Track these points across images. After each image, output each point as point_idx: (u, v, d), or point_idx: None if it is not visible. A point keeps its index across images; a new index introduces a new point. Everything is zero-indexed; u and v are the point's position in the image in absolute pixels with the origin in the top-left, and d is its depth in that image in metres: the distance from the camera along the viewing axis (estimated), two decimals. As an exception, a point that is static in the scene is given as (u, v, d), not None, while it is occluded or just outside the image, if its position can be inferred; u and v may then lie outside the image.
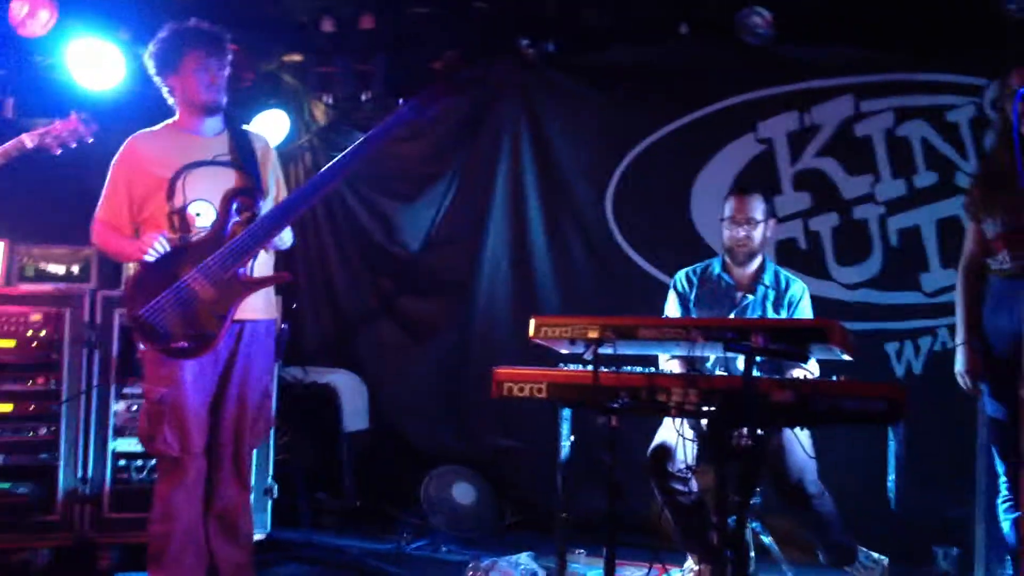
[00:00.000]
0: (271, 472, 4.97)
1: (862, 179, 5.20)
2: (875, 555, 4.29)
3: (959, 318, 3.92)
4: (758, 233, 4.39)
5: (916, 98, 5.09)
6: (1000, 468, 3.75)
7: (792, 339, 3.63)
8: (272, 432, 4.89)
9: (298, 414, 5.53)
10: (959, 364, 3.89)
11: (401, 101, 5.78)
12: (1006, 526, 3.72)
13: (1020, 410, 3.47)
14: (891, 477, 3.73)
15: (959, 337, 3.90)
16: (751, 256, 4.42)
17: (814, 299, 4.55)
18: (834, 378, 3.74)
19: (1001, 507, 3.74)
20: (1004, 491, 3.73)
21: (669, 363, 4.37)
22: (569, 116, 5.80)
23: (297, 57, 5.95)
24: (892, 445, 3.74)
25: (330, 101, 6.03)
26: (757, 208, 4.39)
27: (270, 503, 4.96)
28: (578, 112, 5.78)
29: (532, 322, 3.94)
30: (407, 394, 6.06)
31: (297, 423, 5.53)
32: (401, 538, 5.16)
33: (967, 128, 4.98)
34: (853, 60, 5.21)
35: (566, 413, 4.06)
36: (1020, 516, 3.63)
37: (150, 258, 3.68)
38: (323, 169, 4.04)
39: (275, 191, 4.05)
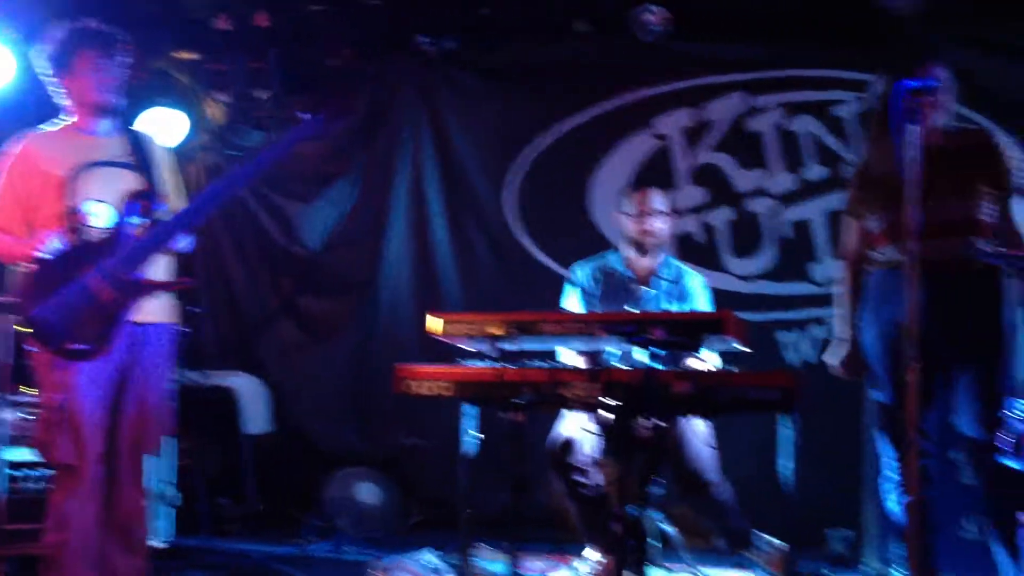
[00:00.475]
0: (172, 479, 4.87)
1: (755, 173, 5.33)
2: (771, 539, 4.40)
3: (841, 313, 3.98)
4: (665, 225, 4.50)
5: (805, 94, 5.24)
6: (887, 452, 3.88)
7: (690, 331, 3.71)
8: (171, 438, 4.80)
9: (197, 419, 5.43)
10: (834, 357, 3.96)
11: (305, 115, 5.72)
12: (895, 507, 3.85)
13: (907, 396, 3.61)
14: (785, 463, 3.84)
15: (840, 332, 3.97)
16: (660, 247, 4.52)
17: (711, 291, 4.66)
18: (731, 369, 3.84)
19: (889, 489, 3.87)
20: (891, 474, 3.86)
21: (572, 357, 4.42)
22: (469, 113, 5.82)
23: (191, 55, 5.84)
24: (786, 432, 3.86)
25: (226, 100, 5.93)
26: (661, 200, 4.49)
27: (171, 510, 4.86)
28: (478, 109, 5.80)
29: (434, 319, 3.95)
30: (310, 395, 6.00)
31: (197, 428, 5.43)
32: (305, 541, 5.11)
33: (853, 123, 5.14)
34: (745, 57, 5.34)
35: (470, 410, 4.09)
36: (911, 501, 3.77)
37: (46, 256, 3.59)
38: (223, 177, 3.98)
39: (173, 195, 3.98)
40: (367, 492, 5.49)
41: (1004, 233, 3.70)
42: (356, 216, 6.01)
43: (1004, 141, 3.82)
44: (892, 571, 4.45)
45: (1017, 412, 2.46)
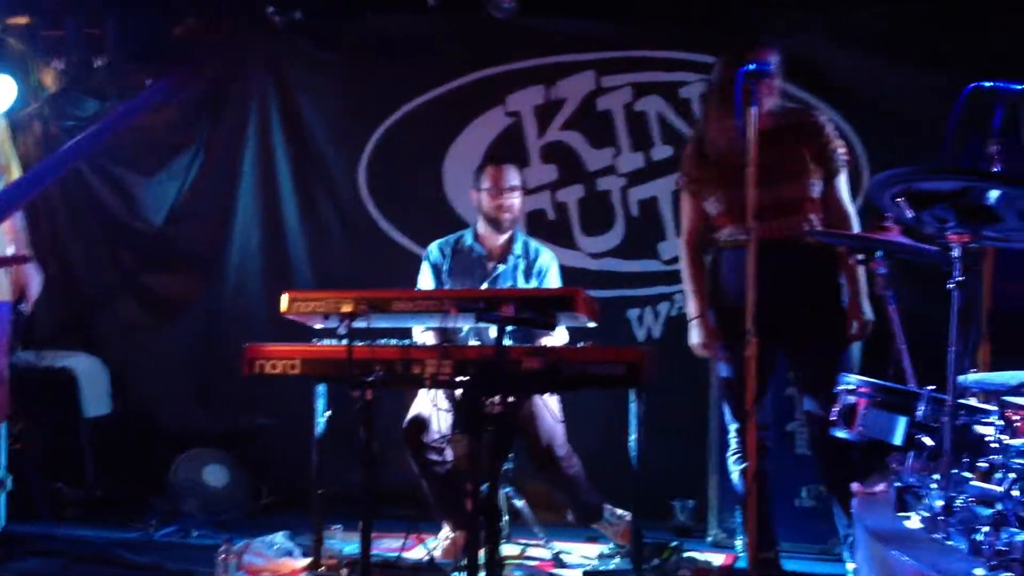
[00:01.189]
0: (4, 463, 4.66)
1: (605, 152, 5.40)
2: (619, 511, 4.51)
3: (689, 293, 4.06)
4: (519, 201, 4.53)
5: (653, 74, 5.32)
6: (731, 425, 4.01)
7: (540, 308, 3.75)
8: (4, 422, 4.59)
9: (32, 401, 5.20)
10: (695, 338, 4.03)
11: (149, 82, 5.53)
12: (735, 477, 3.99)
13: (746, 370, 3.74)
14: (632, 436, 3.94)
15: (693, 311, 4.05)
16: (515, 223, 4.55)
17: (562, 269, 4.72)
18: (580, 344, 3.90)
19: (731, 460, 4.01)
20: (734, 445, 4.00)
21: (424, 335, 4.41)
22: (320, 87, 5.71)
23: (23, 20, 5.55)
24: (633, 406, 3.95)
25: (61, 67, 5.65)
26: (514, 176, 4.52)
27: (3, 495, 4.65)
28: (329, 83, 5.69)
29: (284, 297, 3.88)
30: (154, 375, 5.82)
31: (32, 411, 5.19)
32: (149, 525, 4.95)
33: (698, 104, 5.25)
34: (595, 36, 5.39)
35: (321, 388, 4.04)
36: (748, 465, 3.91)
37: None
38: (63, 148, 3.80)
39: (9, 167, 3.78)
40: (214, 474, 5.36)
41: (832, 210, 3.86)
42: (201, 190, 5.83)
43: (825, 118, 3.96)
44: (734, 539, 4.63)
45: (847, 385, 2.58)
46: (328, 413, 4.04)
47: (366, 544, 3.62)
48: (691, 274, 4.05)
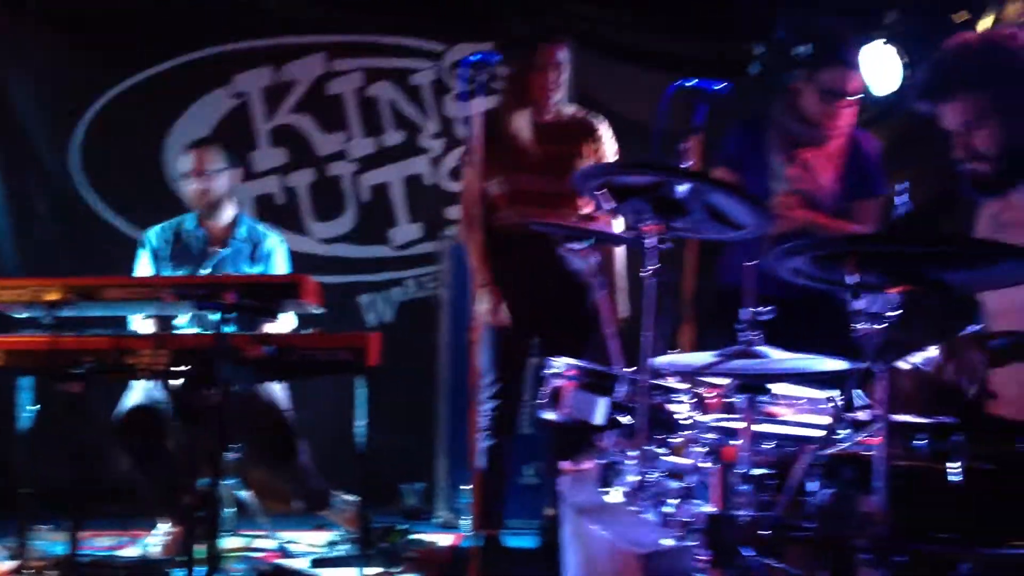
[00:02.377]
0: None
1: (336, 136, 5.36)
2: (347, 497, 4.49)
3: (477, 265, 4.05)
4: (216, 184, 4.38)
5: (384, 60, 5.33)
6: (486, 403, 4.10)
7: (264, 295, 3.67)
8: None
9: None
10: (482, 304, 4.03)
11: None
12: (480, 455, 4.09)
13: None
14: (359, 423, 3.93)
15: (479, 280, 4.06)
16: (212, 208, 4.40)
17: (292, 254, 4.63)
18: (306, 332, 3.85)
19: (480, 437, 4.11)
20: (485, 422, 4.06)
21: (144, 324, 4.22)
22: (28, 61, 5.32)
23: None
24: (360, 392, 3.95)
25: None
26: (214, 160, 4.37)
27: None
28: (38, 57, 5.32)
29: (-18, 286, 3.61)
30: None
31: None
32: None
33: (429, 91, 5.31)
34: (326, 19, 5.33)
35: (27, 382, 3.80)
36: (494, 443, 4.03)
37: None
38: None
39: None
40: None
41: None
42: None
43: (603, 122, 4.12)
44: (461, 519, 4.73)
45: (554, 368, 2.68)
46: (35, 407, 3.80)
47: (74, 543, 3.43)
48: (475, 246, 4.03)
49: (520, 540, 4.39)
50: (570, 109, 4.09)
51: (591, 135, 4.06)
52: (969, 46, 2.46)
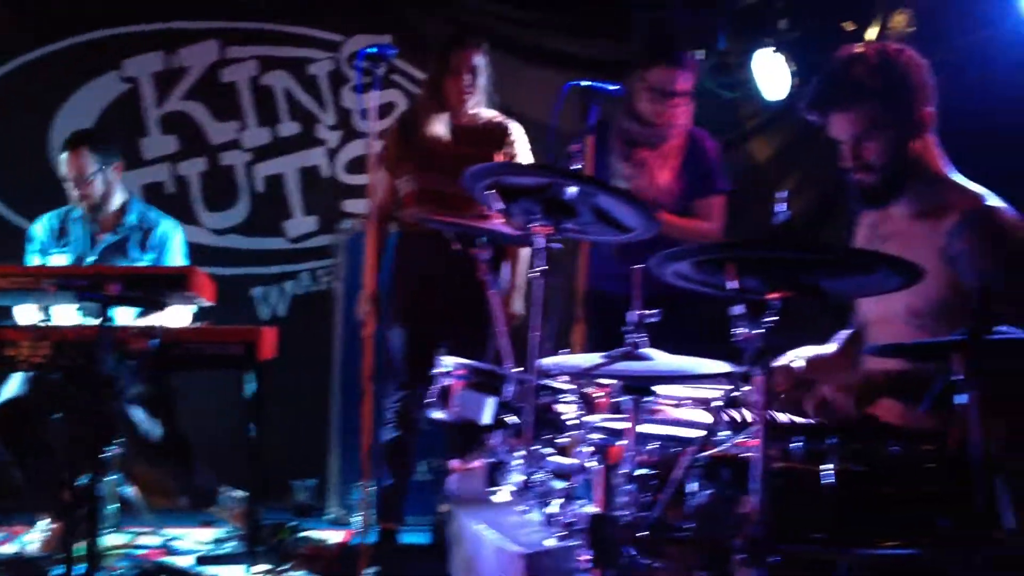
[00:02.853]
0: None
1: (229, 125, 5.26)
2: (235, 493, 4.42)
3: (368, 265, 4.04)
4: (93, 188, 4.24)
5: (280, 49, 5.24)
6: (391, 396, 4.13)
7: (151, 286, 3.58)
8: None
9: None
10: (361, 305, 4.05)
11: None
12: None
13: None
14: (249, 417, 3.87)
15: (366, 282, 4.05)
16: (97, 207, 4.27)
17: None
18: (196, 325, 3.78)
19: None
20: (389, 415, 4.10)
21: (30, 316, 4.08)
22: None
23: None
24: (250, 386, 3.88)
25: None
26: (86, 164, 4.22)
27: None
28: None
29: None
30: None
31: None
32: None
33: (326, 82, 5.24)
34: (220, 5, 5.23)
35: None
36: (398, 435, 4.08)
37: None
38: None
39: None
40: None
41: None
42: None
43: (517, 128, 4.13)
44: (352, 516, 4.69)
45: (443, 368, 2.68)
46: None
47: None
48: (371, 247, 4.04)
49: (415, 536, 4.39)
50: (488, 113, 4.13)
51: (505, 139, 4.09)
52: (861, 58, 2.52)
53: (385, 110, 5.11)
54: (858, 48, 2.55)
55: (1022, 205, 2.54)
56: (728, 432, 2.16)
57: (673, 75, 3.82)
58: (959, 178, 2.57)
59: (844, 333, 2.80)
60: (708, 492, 1.96)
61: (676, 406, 2.62)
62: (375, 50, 3.63)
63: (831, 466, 1.94)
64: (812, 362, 2.64)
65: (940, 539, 1.86)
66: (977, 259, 2.39)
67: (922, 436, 2.11)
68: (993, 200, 2.49)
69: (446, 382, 2.63)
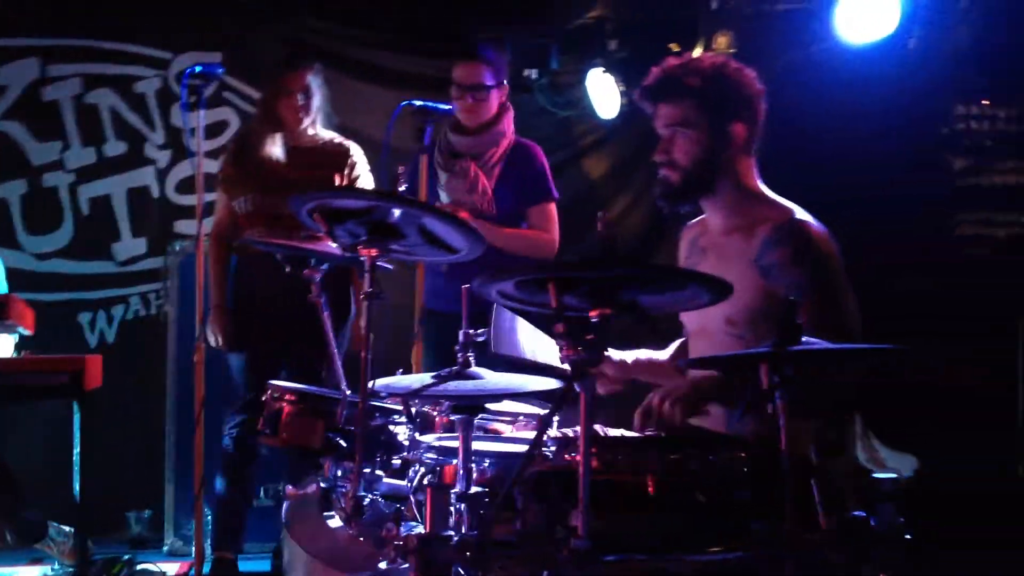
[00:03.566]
0: None
1: (51, 145, 5.05)
2: (65, 528, 4.25)
3: (213, 285, 4.08)
4: None
5: (104, 66, 5.06)
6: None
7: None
8: None
9: None
10: (210, 325, 4.05)
11: None
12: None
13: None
14: (76, 450, 3.73)
15: (214, 299, 4.06)
16: None
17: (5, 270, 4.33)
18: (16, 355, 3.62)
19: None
20: (227, 441, 4.05)
21: None
22: None
23: None
24: (77, 416, 3.74)
25: None
26: None
27: None
28: None
29: None
30: None
31: None
32: None
33: (154, 100, 5.10)
34: (41, 21, 5.02)
35: None
36: (236, 461, 4.03)
37: None
38: None
39: None
40: None
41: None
42: None
43: (360, 156, 4.12)
44: (191, 546, 4.56)
45: (271, 392, 2.65)
46: None
47: None
48: (213, 267, 4.09)
49: (256, 564, 4.31)
50: (327, 135, 4.11)
51: (344, 160, 4.08)
52: (699, 61, 2.64)
53: (217, 128, 5.02)
54: (701, 53, 2.66)
55: (830, 219, 2.68)
56: (555, 446, 2.20)
57: (473, 69, 3.83)
58: (771, 193, 2.69)
59: (677, 341, 2.89)
60: (536, 507, 1.98)
61: (511, 423, 2.66)
62: (200, 68, 3.60)
63: (658, 476, 2.01)
64: (642, 364, 2.73)
65: (755, 543, 1.92)
66: (787, 270, 2.50)
67: (739, 444, 2.19)
68: (801, 214, 2.61)
69: (275, 406, 2.59)
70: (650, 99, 2.65)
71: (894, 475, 2.06)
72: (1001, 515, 3.99)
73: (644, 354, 2.81)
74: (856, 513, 1.99)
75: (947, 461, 4.46)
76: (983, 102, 4.71)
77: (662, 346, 2.89)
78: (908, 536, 1.99)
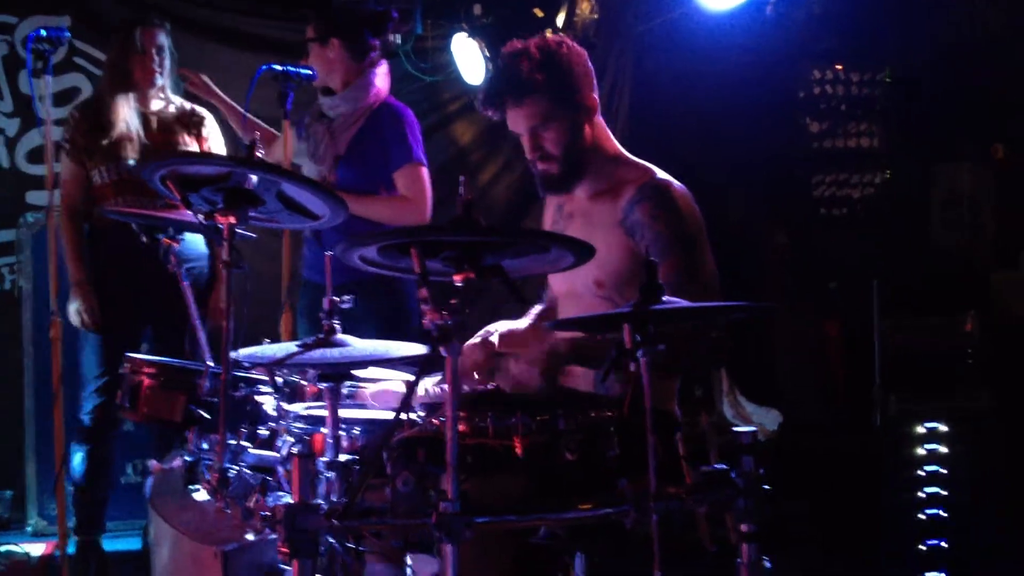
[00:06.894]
0: None
1: None
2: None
3: (71, 260, 3.92)
4: None
5: (-54, 31, 4.80)
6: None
7: None
8: None
9: None
10: (73, 304, 3.90)
11: None
12: (76, 460, 3.94)
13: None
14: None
15: (72, 277, 3.92)
16: None
17: None
18: None
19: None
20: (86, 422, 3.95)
21: None
22: None
23: None
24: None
25: None
26: None
27: None
28: None
29: None
30: None
31: None
32: None
33: (0, 66, 4.86)
34: None
35: None
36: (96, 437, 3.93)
37: None
38: None
39: None
40: None
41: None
42: None
43: (214, 124, 4.04)
44: (55, 526, 4.43)
45: (129, 365, 2.57)
46: None
47: None
48: (71, 240, 3.94)
49: (126, 542, 4.21)
50: (178, 100, 4.02)
51: (198, 127, 4.00)
52: (525, 54, 2.62)
53: (69, 95, 4.80)
54: (519, 44, 2.65)
55: (693, 181, 2.74)
56: (423, 412, 2.20)
57: (308, 27, 3.81)
58: (630, 156, 2.73)
59: (537, 308, 2.92)
60: (405, 473, 1.98)
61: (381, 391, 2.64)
62: (46, 32, 3.48)
63: (520, 438, 2.03)
64: (505, 336, 2.73)
65: (621, 498, 1.96)
66: (650, 228, 2.55)
67: (606, 402, 2.23)
68: (662, 174, 2.67)
69: (134, 380, 2.52)
70: (493, 106, 2.65)
71: (754, 429, 2.11)
72: (857, 463, 4.18)
73: (501, 326, 2.80)
74: (717, 466, 2.05)
75: (808, 414, 4.65)
76: (836, 67, 4.87)
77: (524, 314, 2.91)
78: (766, 487, 2.05)
